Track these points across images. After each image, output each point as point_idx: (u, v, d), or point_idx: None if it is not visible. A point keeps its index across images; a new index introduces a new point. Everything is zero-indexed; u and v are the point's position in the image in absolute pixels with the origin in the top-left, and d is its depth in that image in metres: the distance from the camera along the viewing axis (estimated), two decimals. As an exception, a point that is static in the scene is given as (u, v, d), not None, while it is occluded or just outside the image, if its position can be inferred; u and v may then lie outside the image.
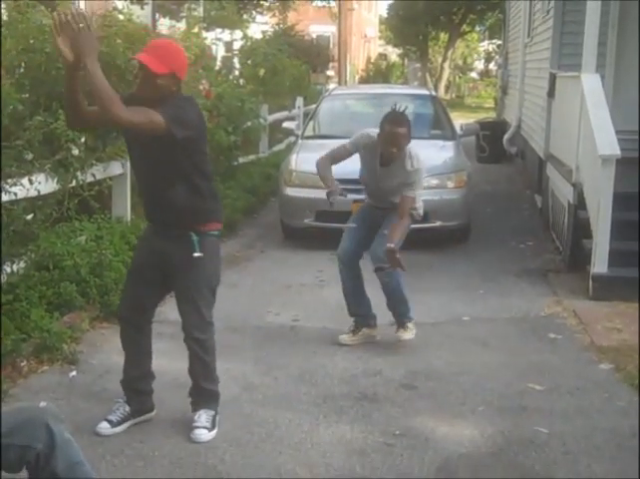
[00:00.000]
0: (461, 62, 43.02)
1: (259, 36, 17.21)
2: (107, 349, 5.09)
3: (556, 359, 5.15)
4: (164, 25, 14.00)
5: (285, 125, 10.89)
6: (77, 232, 6.17)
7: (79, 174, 5.96)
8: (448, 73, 38.68)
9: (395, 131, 4.98)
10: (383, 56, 42.69)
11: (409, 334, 5.29)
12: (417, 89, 14.91)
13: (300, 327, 5.78)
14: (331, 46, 30.21)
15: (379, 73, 34.00)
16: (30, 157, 5.40)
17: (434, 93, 11.54)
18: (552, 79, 8.91)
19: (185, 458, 3.80)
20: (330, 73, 27.33)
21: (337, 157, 5.32)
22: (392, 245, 4.80)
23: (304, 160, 8.52)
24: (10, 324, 4.87)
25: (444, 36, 38.86)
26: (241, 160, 10.95)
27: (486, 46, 43.22)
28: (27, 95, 6.08)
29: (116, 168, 6.73)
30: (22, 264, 5.32)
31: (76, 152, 5.81)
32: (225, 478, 3.64)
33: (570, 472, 3.69)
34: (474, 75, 44.95)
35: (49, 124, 5.60)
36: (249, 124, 10.83)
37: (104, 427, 4.01)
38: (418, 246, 5.60)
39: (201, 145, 3.87)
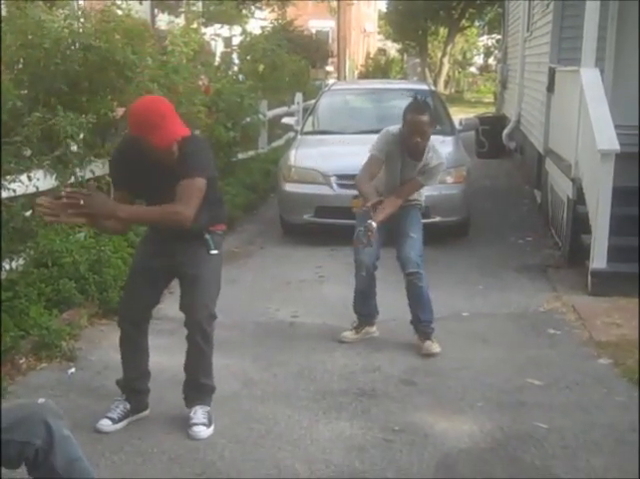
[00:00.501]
0: (460, 57, 42.95)
1: (258, 31, 17.20)
2: (105, 346, 5.09)
3: (555, 354, 5.15)
4: (163, 21, 13.95)
5: (284, 120, 10.89)
6: (75, 228, 6.17)
7: (77, 170, 5.95)
8: (447, 68, 38.63)
9: (418, 119, 4.90)
10: (382, 51, 42.64)
11: (437, 347, 5.14)
12: (416, 84, 14.85)
13: (299, 323, 5.78)
14: (330, 41, 30.19)
15: (378, 68, 33.96)
16: (29, 153, 5.40)
17: (433, 88, 11.54)
18: (552, 73, 8.90)
19: (184, 455, 3.80)
20: (329, 68, 27.31)
21: (373, 171, 5.08)
22: (373, 224, 4.71)
23: (303, 155, 8.53)
24: (9, 321, 4.87)
25: (443, 31, 38.81)
26: (240, 156, 10.94)
27: (486, 41, 43.15)
28: (26, 91, 6.08)
29: (114, 164, 6.71)
30: (21, 261, 5.32)
31: (75, 148, 5.81)
32: (225, 475, 3.64)
33: (569, 467, 3.70)
34: (473, 70, 44.90)
35: (47, 120, 5.59)
36: (248, 120, 10.82)
37: (105, 424, 4.02)
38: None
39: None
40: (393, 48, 44.52)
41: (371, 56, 39.26)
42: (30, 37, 6.31)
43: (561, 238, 7.57)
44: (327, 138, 9.03)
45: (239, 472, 3.66)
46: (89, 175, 6.16)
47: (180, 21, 13.88)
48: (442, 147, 8.61)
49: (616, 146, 6.08)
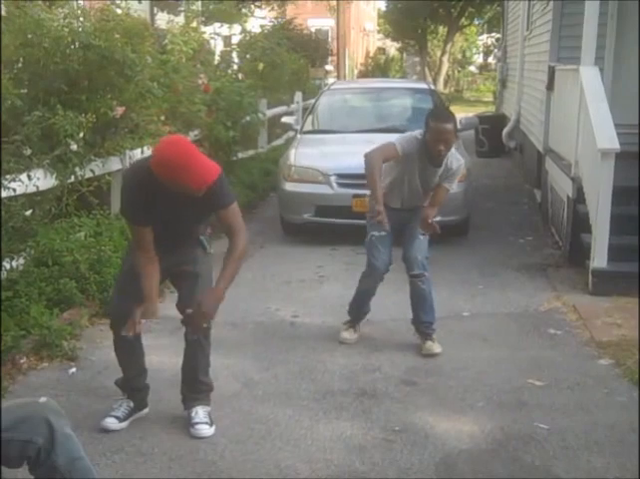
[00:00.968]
0: (459, 56, 42.91)
1: (258, 30, 17.17)
2: (106, 346, 5.06)
3: (556, 355, 5.15)
4: (163, 19, 13.92)
5: (284, 120, 10.87)
6: (76, 227, 6.17)
7: (77, 169, 5.95)
8: (446, 67, 38.58)
9: (442, 127, 4.83)
10: (382, 50, 42.62)
11: (438, 347, 5.14)
12: (416, 83, 14.85)
13: (300, 323, 5.77)
14: (330, 40, 30.13)
15: (378, 67, 33.95)
16: (28, 152, 5.39)
17: (432, 87, 11.52)
18: (551, 72, 8.89)
19: (185, 455, 3.80)
20: (329, 67, 27.25)
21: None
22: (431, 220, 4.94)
23: (303, 155, 8.52)
24: (10, 321, 4.87)
25: (442, 29, 38.77)
26: (240, 155, 10.93)
27: (485, 39, 43.13)
28: (25, 90, 6.07)
29: (114, 163, 6.71)
30: (21, 261, 5.31)
31: (74, 147, 5.80)
32: (225, 475, 3.64)
33: (570, 467, 3.69)
34: (472, 69, 44.87)
35: (47, 119, 5.59)
36: (248, 118, 10.80)
37: (111, 422, 4.01)
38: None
39: None
40: (392, 47, 44.48)
41: (370, 55, 39.25)
42: (30, 36, 6.29)
43: (561, 237, 7.57)
44: (327, 137, 9.03)
45: (240, 472, 3.66)
46: (89, 174, 6.16)
47: (180, 20, 13.85)
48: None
49: (616, 145, 6.08)
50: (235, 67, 14.09)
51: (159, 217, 3.74)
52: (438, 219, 7.81)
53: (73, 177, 5.91)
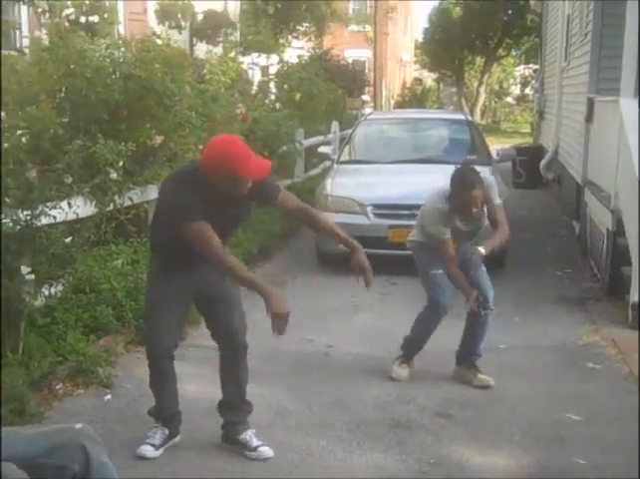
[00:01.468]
0: (497, 86, 42.87)
1: (295, 60, 17.33)
2: (141, 374, 5.06)
3: (594, 389, 5.06)
4: (202, 50, 14.13)
5: (321, 149, 10.92)
6: (113, 255, 6.23)
7: (116, 197, 6.01)
8: (483, 97, 38.58)
9: (472, 195, 4.76)
10: (418, 80, 42.70)
11: (486, 376, 5.11)
12: (452, 114, 14.88)
13: (334, 353, 5.75)
14: (367, 70, 30.28)
15: (414, 97, 34.01)
16: (70, 180, 5.46)
17: (469, 118, 11.52)
18: (590, 103, 8.85)
19: (218, 484, 3.79)
20: (366, 97, 27.38)
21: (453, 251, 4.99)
22: (483, 251, 4.86)
23: (340, 185, 8.53)
24: (47, 346, 4.91)
25: (479, 60, 38.80)
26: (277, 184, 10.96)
27: (523, 70, 43.06)
28: (67, 119, 6.17)
29: (153, 192, 6.77)
30: (60, 287, 5.36)
31: (114, 176, 5.87)
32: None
33: (609, 505, 3.62)
34: (510, 100, 44.76)
35: (88, 148, 5.67)
36: (285, 148, 10.87)
37: (148, 450, 4.02)
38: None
39: None
40: (429, 77, 44.59)
41: (407, 85, 39.32)
42: (72, 66, 6.41)
43: (601, 270, 7.47)
44: (363, 167, 9.04)
45: (273, 503, 3.63)
46: (127, 202, 6.22)
47: (219, 50, 14.04)
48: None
49: (657, 177, 6.00)
50: (273, 97, 14.22)
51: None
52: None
53: (112, 205, 5.97)
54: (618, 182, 6.89)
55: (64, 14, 9.73)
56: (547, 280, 7.84)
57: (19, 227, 4.68)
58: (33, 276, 4.71)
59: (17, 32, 9.69)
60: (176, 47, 8.37)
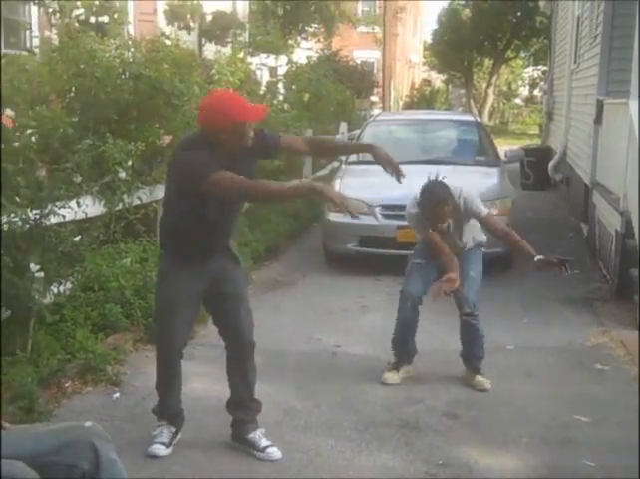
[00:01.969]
0: (505, 88, 42.84)
1: (304, 61, 17.35)
2: (149, 372, 5.06)
3: (603, 391, 5.05)
4: (210, 50, 14.14)
5: (329, 150, 10.88)
6: (122, 254, 6.25)
7: (125, 196, 6.03)
8: (492, 99, 38.55)
9: (436, 211, 4.84)
10: (427, 81, 42.69)
11: (489, 382, 5.09)
12: (461, 115, 14.86)
13: (342, 353, 5.75)
14: (375, 71, 30.28)
15: (423, 98, 34.01)
16: (79, 179, 5.48)
17: (478, 119, 11.49)
18: (600, 105, 8.82)
19: (226, 483, 3.79)
20: (374, 98, 27.38)
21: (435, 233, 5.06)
22: (540, 257, 4.87)
23: (348, 185, 8.52)
24: (56, 344, 4.93)
25: (488, 62, 38.78)
26: (285, 184, 10.97)
27: (531, 72, 43.03)
28: (76, 118, 6.19)
29: (161, 191, 6.77)
30: (68, 286, 5.38)
31: (123, 175, 5.88)
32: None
33: (618, 507, 3.61)
34: (518, 101, 44.72)
35: (97, 147, 5.69)
36: (293, 148, 10.85)
37: (159, 448, 4.03)
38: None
39: None
40: (437, 79, 44.58)
41: (416, 86, 39.32)
42: (82, 66, 6.43)
43: (609, 271, 7.45)
44: (371, 168, 8.91)
45: (281, 502, 3.64)
46: (135, 201, 6.24)
47: (227, 51, 14.05)
48: (487, 178, 8.70)
49: (666, 179, 5.99)
50: (281, 97, 14.23)
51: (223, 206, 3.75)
52: (482, 250, 7.82)
53: (120, 204, 5.98)
54: (627, 183, 6.87)
55: (74, 14, 9.75)
56: (555, 282, 7.77)
57: (28, 225, 4.70)
58: (42, 275, 4.72)
59: (27, 32, 9.71)
60: (186, 47, 8.39)
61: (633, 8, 7.41)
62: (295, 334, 6.15)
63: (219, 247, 3.96)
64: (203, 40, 14.89)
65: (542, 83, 32.30)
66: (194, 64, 7.58)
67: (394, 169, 4.03)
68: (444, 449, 4.19)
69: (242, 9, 16.83)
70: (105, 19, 9.94)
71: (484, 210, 5.02)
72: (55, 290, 5.11)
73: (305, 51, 21.87)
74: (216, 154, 3.64)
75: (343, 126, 15.27)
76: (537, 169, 14.00)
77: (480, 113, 33.31)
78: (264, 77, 15.81)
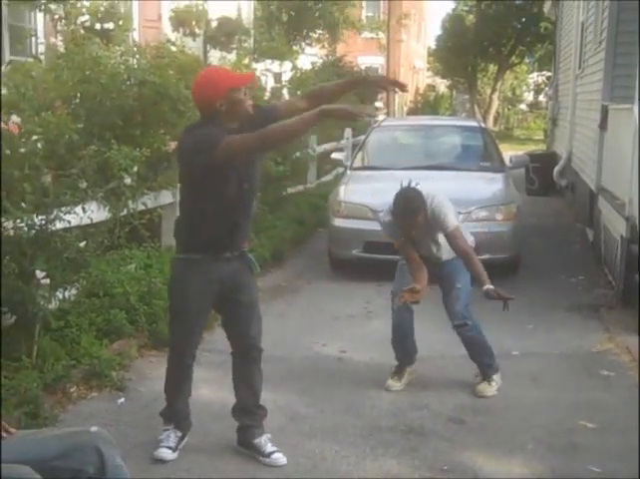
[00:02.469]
0: (510, 93, 42.84)
1: (308, 67, 17.35)
2: (155, 377, 5.10)
3: (608, 397, 5.04)
4: (215, 56, 14.16)
5: (334, 156, 10.92)
6: (127, 259, 6.26)
7: (130, 202, 6.04)
8: (496, 104, 38.54)
9: (407, 222, 4.81)
10: (431, 87, 42.71)
11: (491, 390, 5.07)
12: (466, 120, 14.89)
13: (347, 359, 5.75)
14: (379, 77, 30.27)
15: (427, 104, 34.02)
16: (84, 185, 5.49)
17: (483, 125, 11.49)
18: (604, 111, 8.82)
19: (231, 488, 3.80)
20: (378, 104, 27.39)
21: (411, 245, 5.07)
22: (489, 287, 4.67)
23: (353, 191, 8.54)
24: (61, 350, 4.94)
25: (492, 67, 38.78)
26: (290, 190, 11.00)
27: (536, 78, 43.01)
28: (82, 125, 6.21)
29: (166, 197, 6.81)
30: (73, 291, 5.39)
31: (128, 181, 5.89)
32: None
33: (624, 513, 3.60)
34: (523, 107, 44.72)
35: (103, 153, 5.70)
36: (298, 154, 10.88)
37: (166, 452, 4.03)
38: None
39: None
40: (442, 84, 44.59)
41: (420, 92, 39.35)
42: (87, 73, 6.46)
43: (614, 277, 7.44)
44: (376, 174, 9.03)
45: (286, 508, 3.64)
46: (141, 207, 6.25)
47: (232, 57, 14.07)
48: (492, 184, 8.71)
49: (671, 184, 5.98)
50: (286, 103, 14.22)
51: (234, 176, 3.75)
52: (486, 256, 7.82)
53: (126, 210, 6.00)
54: (632, 189, 6.85)
55: (79, 21, 9.78)
56: (561, 288, 7.82)
57: (34, 231, 4.71)
58: (47, 281, 4.73)
59: (33, 39, 9.74)
60: (191, 54, 8.41)
61: (637, 13, 7.41)
62: (300, 340, 6.15)
63: (235, 246, 3.95)
64: (208, 46, 14.92)
65: (547, 89, 32.28)
66: (199, 70, 7.59)
67: (392, 83, 4.10)
68: (449, 454, 4.19)
69: (247, 15, 16.85)
70: (110, 26, 9.96)
71: (451, 225, 4.87)
72: (60, 296, 5.12)
73: (309, 57, 21.89)
74: (222, 130, 3.67)
75: (347, 131, 15.28)
76: (542, 174, 13.99)
77: (485, 118, 33.29)
78: (269, 83, 15.81)
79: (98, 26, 9.83)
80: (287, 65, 16.55)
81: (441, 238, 5.01)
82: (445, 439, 4.38)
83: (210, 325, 5.31)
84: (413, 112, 32.50)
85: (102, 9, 9.91)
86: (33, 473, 2.55)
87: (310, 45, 24.20)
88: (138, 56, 7.10)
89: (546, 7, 20.02)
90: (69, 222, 5.04)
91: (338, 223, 8.33)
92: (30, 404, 4.26)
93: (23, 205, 4.75)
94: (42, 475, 2.57)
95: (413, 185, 4.92)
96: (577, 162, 11.70)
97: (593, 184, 9.34)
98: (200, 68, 7.75)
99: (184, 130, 4.08)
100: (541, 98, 41.21)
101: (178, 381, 4.14)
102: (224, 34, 14.84)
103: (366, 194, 8.39)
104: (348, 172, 9.47)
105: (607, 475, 3.95)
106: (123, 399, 4.85)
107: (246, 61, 11.79)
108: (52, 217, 4.82)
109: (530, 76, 43.86)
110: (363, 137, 10.90)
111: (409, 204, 4.79)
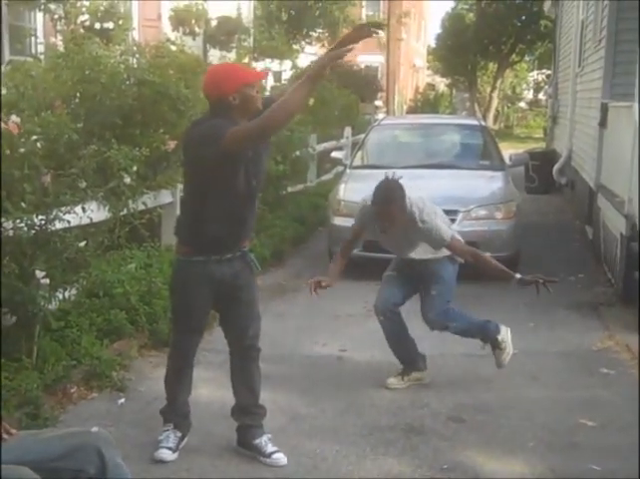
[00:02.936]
0: (509, 92, 42.83)
1: (308, 66, 17.32)
2: (155, 377, 5.11)
3: (609, 395, 5.04)
4: (215, 56, 14.17)
5: (333, 154, 10.92)
6: (127, 259, 6.26)
7: (130, 202, 6.03)
8: (496, 103, 38.55)
9: (382, 209, 4.78)
10: (431, 86, 42.70)
11: (505, 353, 5.11)
12: (465, 119, 14.87)
13: (347, 358, 5.75)
14: (379, 76, 30.30)
15: (427, 103, 34.01)
16: (84, 185, 5.49)
17: (482, 123, 11.49)
18: (604, 109, 8.82)
19: (232, 488, 3.80)
20: (378, 103, 27.38)
21: (354, 239, 5.31)
22: (518, 276, 4.91)
23: (352, 190, 8.53)
24: (61, 350, 4.93)
25: (492, 66, 38.79)
26: (290, 189, 11.00)
27: (536, 76, 43.01)
28: (82, 124, 6.21)
29: (166, 196, 6.81)
30: (73, 291, 5.39)
31: (128, 180, 5.89)
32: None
33: (624, 512, 3.60)
34: (522, 105, 44.70)
35: (102, 153, 5.70)
36: (298, 153, 10.87)
37: (166, 453, 4.03)
38: (465, 278, 5.55)
39: None
40: (442, 83, 44.59)
41: (420, 91, 39.34)
42: (87, 72, 6.46)
43: (614, 275, 7.44)
44: (376, 172, 8.97)
45: (286, 507, 3.64)
46: (141, 206, 6.25)
47: (232, 56, 14.08)
48: (491, 182, 8.71)
49: (671, 182, 5.98)
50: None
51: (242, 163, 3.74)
52: (487, 254, 7.79)
53: (125, 209, 5.99)
54: (632, 187, 6.86)
55: (79, 20, 9.79)
56: (560, 286, 7.74)
57: (34, 231, 4.71)
58: (47, 281, 4.73)
59: (33, 38, 9.75)
60: (190, 53, 8.41)
61: (637, 12, 7.41)
62: (300, 340, 6.15)
63: (237, 246, 3.95)
64: (208, 45, 14.92)
65: (547, 87, 32.28)
66: (199, 69, 7.59)
67: (373, 26, 4.26)
68: (449, 454, 4.19)
69: (247, 14, 16.85)
70: (110, 25, 9.98)
71: (447, 237, 4.88)
72: (60, 296, 5.12)
73: (309, 56, 21.88)
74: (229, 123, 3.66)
75: (347, 130, 15.28)
76: (542, 172, 13.99)
77: (485, 117, 33.29)
78: (269, 82, 15.82)
79: (97, 25, 9.86)
80: (287, 64, 16.56)
81: (419, 242, 5.02)
82: (445, 438, 4.38)
83: (210, 325, 5.30)
84: (412, 110, 32.50)
85: (101, 8, 9.93)
86: (33, 474, 2.55)
87: (310, 44, 24.19)
88: (137, 55, 7.11)
89: (546, 5, 20.02)
90: (69, 221, 5.04)
91: (338, 221, 8.32)
92: (30, 405, 4.26)
93: (23, 205, 4.75)
94: (43, 476, 2.57)
95: (397, 179, 4.89)
96: (577, 160, 11.70)
97: (593, 181, 9.34)
98: (200, 67, 7.77)
99: (192, 123, 4.09)
100: (541, 96, 41.20)
101: (179, 379, 4.15)
102: (224, 33, 14.84)
103: (365, 192, 8.37)
104: (348, 170, 9.47)
105: (608, 473, 3.95)
106: (123, 400, 4.85)
107: (246, 60, 11.80)
108: (52, 216, 4.82)
109: (530, 74, 43.87)
110: (363, 135, 10.89)
111: (388, 193, 4.80)
